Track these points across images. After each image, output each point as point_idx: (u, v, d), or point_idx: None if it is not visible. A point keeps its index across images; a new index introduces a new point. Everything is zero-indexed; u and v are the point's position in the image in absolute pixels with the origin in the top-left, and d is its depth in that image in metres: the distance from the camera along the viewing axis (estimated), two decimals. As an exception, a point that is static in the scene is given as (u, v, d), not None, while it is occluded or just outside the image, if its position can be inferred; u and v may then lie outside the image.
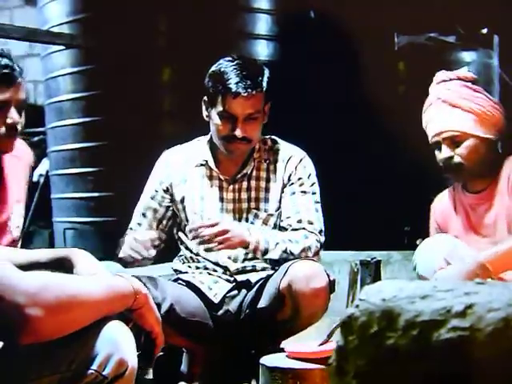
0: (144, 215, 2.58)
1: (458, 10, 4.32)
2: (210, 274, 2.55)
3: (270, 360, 1.96)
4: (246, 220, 2.55)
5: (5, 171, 2.07)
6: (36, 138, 4.92)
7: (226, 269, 2.55)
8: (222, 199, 2.57)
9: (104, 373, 1.38)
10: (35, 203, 4.83)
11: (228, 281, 2.53)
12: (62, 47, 4.18)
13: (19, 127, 1.97)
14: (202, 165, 2.60)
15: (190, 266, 2.59)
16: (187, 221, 2.57)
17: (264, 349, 2.20)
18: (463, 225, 2.56)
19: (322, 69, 4.22)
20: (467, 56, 4.58)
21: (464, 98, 2.45)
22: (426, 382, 0.91)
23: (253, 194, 2.58)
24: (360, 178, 4.23)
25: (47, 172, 4.68)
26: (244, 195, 2.57)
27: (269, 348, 2.22)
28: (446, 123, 2.45)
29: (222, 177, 2.58)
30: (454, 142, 2.44)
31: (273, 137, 2.65)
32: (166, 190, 2.59)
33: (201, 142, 2.64)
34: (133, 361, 1.42)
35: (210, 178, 2.59)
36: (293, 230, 2.50)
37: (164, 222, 2.60)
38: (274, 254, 2.41)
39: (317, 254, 2.49)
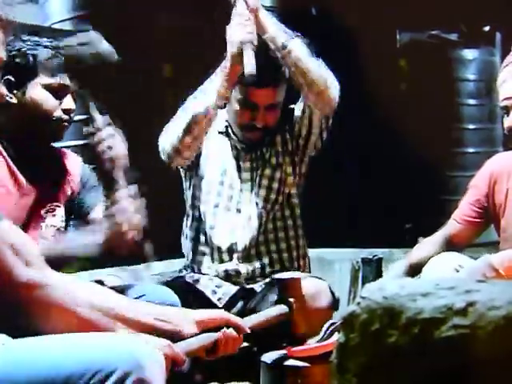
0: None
1: (460, 8, 4.31)
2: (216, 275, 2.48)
3: (270, 357, 1.96)
4: (251, 189, 2.50)
5: (44, 170, 2.06)
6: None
7: (235, 272, 2.48)
8: (239, 168, 2.51)
9: None
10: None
11: (233, 282, 2.46)
12: (64, 43, 4.18)
13: (72, 115, 2.03)
14: (221, 132, 2.54)
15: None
16: (200, 189, 2.50)
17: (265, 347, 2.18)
18: None
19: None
20: (469, 53, 4.57)
21: None
22: (427, 379, 0.91)
23: (263, 161, 2.52)
24: (361, 176, 4.22)
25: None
26: (259, 163, 2.51)
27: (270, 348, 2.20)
28: None
29: (239, 146, 2.52)
30: None
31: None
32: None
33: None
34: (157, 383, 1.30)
35: (229, 145, 2.53)
36: None
37: None
38: (296, 48, 2.36)
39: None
